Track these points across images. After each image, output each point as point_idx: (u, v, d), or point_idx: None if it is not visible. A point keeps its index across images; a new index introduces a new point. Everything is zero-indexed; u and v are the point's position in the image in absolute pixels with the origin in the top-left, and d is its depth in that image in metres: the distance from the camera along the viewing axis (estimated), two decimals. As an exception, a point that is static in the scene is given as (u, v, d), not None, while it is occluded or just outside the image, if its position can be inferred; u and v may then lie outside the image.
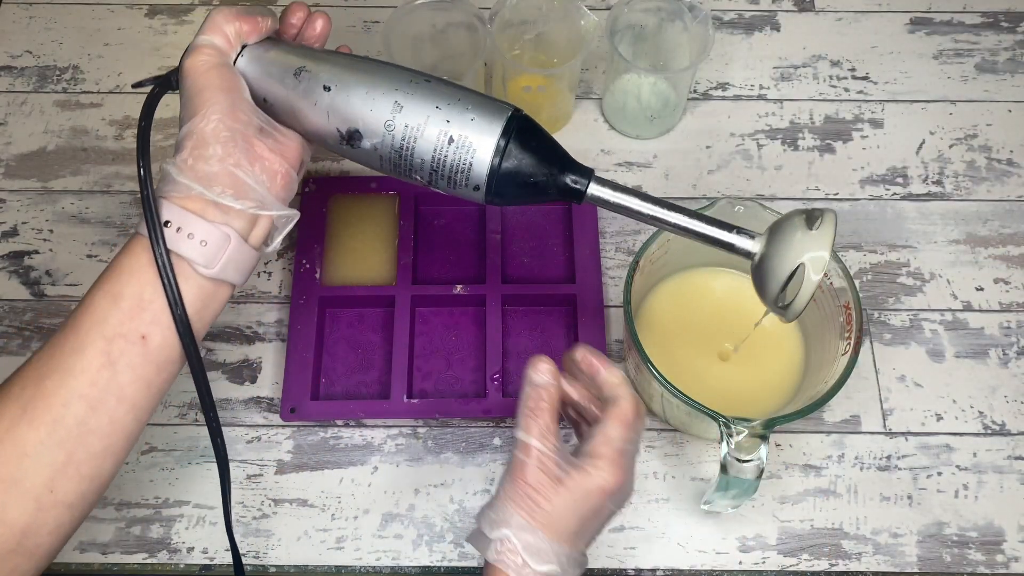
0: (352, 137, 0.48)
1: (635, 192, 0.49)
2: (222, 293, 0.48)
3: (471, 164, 0.47)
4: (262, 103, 0.50)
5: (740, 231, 0.49)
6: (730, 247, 0.49)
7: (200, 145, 0.46)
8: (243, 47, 0.50)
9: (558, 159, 0.49)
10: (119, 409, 0.45)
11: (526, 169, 0.48)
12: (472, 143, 0.47)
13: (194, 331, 0.46)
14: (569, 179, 0.49)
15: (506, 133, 0.47)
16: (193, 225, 0.45)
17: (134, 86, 0.52)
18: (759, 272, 0.50)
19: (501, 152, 0.47)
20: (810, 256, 0.47)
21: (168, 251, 0.45)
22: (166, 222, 0.45)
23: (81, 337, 0.44)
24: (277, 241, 0.50)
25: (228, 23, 0.49)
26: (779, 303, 0.49)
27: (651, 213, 0.49)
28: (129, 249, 0.46)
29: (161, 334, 0.45)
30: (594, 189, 0.49)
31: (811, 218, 0.48)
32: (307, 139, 0.51)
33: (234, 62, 0.50)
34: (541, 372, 0.49)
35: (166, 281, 0.45)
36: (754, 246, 0.49)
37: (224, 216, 0.46)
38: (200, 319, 0.47)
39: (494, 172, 0.47)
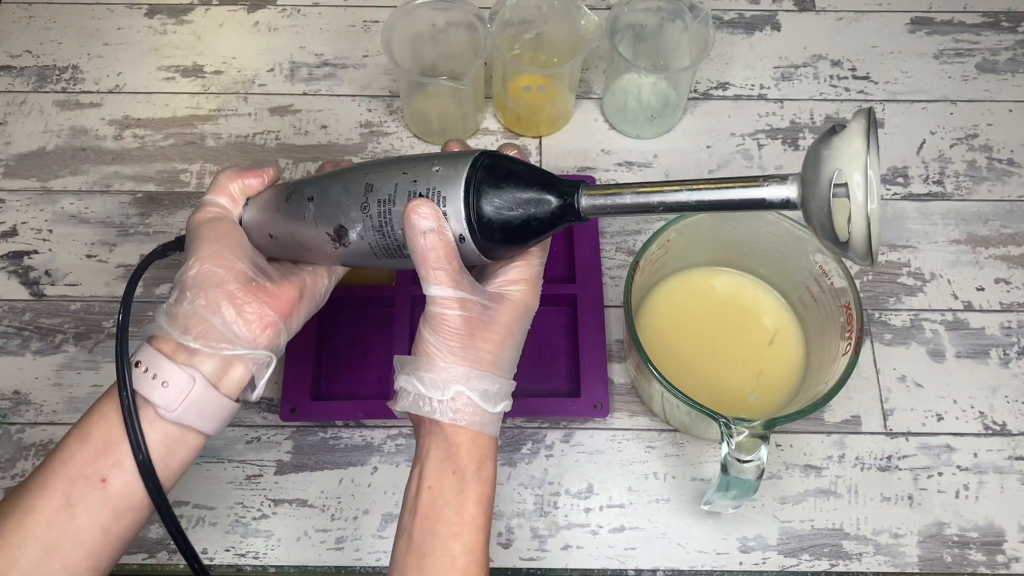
0: (340, 234, 0.48)
1: (633, 186, 0.44)
2: (191, 441, 0.46)
3: (447, 214, 0.44)
4: (269, 239, 0.51)
5: (769, 179, 0.41)
6: (761, 203, 0.41)
7: (180, 290, 0.47)
8: (248, 199, 0.53)
9: (538, 182, 0.45)
10: (74, 555, 0.43)
11: (504, 200, 0.44)
12: (441, 192, 0.44)
13: (160, 477, 0.45)
14: (555, 198, 0.44)
15: (473, 170, 0.44)
16: (160, 367, 0.45)
17: (156, 257, 0.54)
18: (808, 218, 0.40)
19: (472, 191, 0.44)
20: (842, 166, 0.37)
21: (134, 392, 0.45)
22: (137, 362, 0.45)
23: (47, 475, 0.44)
24: (260, 387, 0.48)
25: (232, 182, 0.52)
26: (845, 247, 0.39)
27: (660, 200, 0.43)
28: (109, 390, 0.46)
29: (122, 478, 0.44)
30: (586, 200, 0.44)
31: (839, 127, 0.39)
32: (311, 261, 0.52)
33: (242, 213, 0.53)
34: (426, 216, 0.44)
35: (128, 423, 0.44)
36: (789, 190, 0.40)
37: (191, 359, 0.45)
38: (166, 466, 0.45)
39: (471, 213, 0.44)
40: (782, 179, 0.41)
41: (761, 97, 0.83)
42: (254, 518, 0.65)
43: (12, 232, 0.76)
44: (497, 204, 0.44)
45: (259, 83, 0.84)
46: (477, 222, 0.44)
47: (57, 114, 0.82)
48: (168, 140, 0.80)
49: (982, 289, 0.74)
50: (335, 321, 0.72)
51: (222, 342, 0.46)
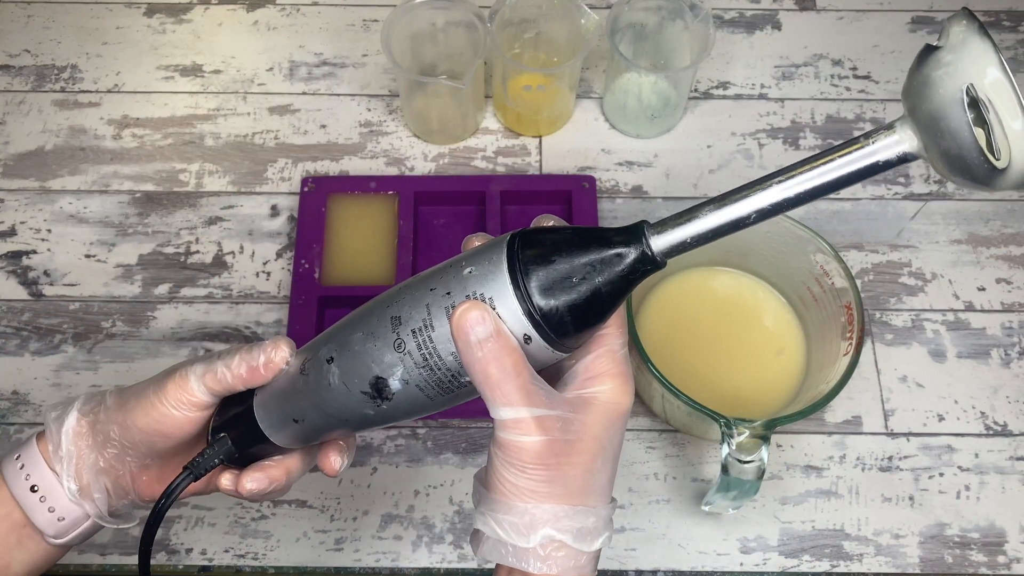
0: (379, 388, 0.39)
1: (704, 205, 0.36)
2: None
3: (501, 317, 0.37)
4: (294, 427, 0.43)
5: (872, 135, 0.33)
6: (875, 168, 0.33)
7: (96, 418, 0.45)
8: (254, 394, 0.45)
9: (593, 240, 0.37)
10: None
11: (561, 275, 0.36)
12: (485, 294, 0.37)
13: None
14: (619, 250, 0.36)
15: (512, 255, 0.36)
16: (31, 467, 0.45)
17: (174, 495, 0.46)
18: (942, 162, 0.32)
19: (520, 278, 0.36)
20: (971, 79, 0.30)
21: None
22: (22, 464, 0.45)
23: None
24: (71, 536, 0.46)
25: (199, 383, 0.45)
26: (996, 173, 0.31)
27: (750, 209, 0.36)
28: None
29: None
30: (658, 239, 0.36)
31: (936, 43, 0.32)
32: (353, 431, 0.44)
33: (252, 407, 0.45)
34: (478, 322, 0.36)
35: None
36: (904, 140, 0.33)
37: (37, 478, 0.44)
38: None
39: (529, 304, 0.36)
40: (888, 129, 0.33)
41: (762, 96, 0.83)
42: (253, 519, 0.65)
43: (11, 232, 0.76)
44: (556, 282, 0.36)
45: (258, 82, 0.84)
46: (540, 313, 0.36)
47: (56, 114, 0.82)
48: (167, 140, 0.80)
49: (983, 289, 0.74)
50: (334, 321, 0.71)
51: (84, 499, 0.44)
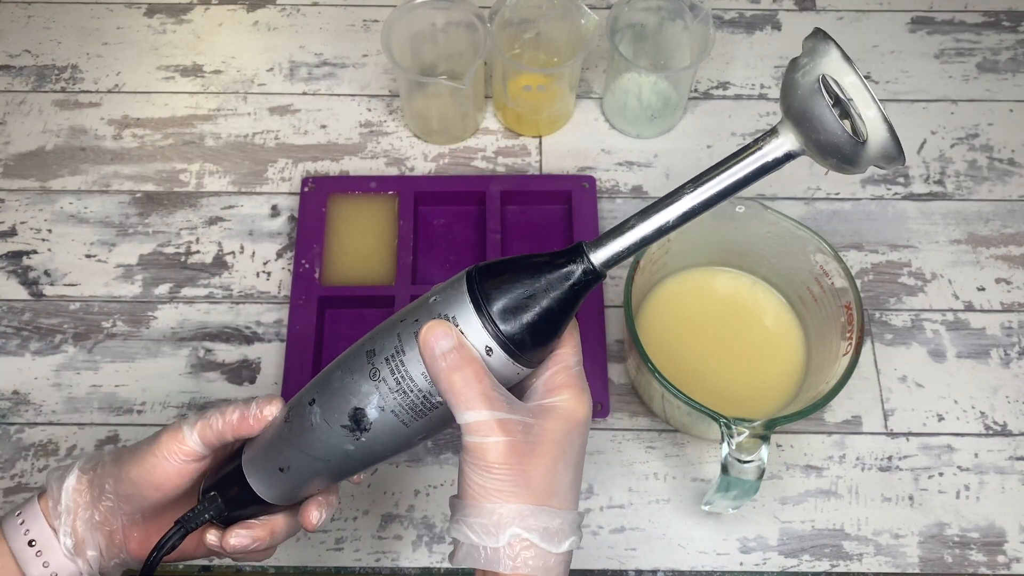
0: (358, 420, 0.42)
1: (634, 217, 0.41)
2: None
3: (464, 333, 0.40)
4: (280, 476, 0.45)
5: (762, 140, 0.39)
6: (766, 168, 0.39)
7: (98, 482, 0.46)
8: (243, 448, 0.48)
9: (540, 263, 0.41)
10: None
11: (515, 291, 0.40)
12: (449, 314, 0.41)
13: None
14: (563, 266, 0.41)
15: (471, 280, 0.41)
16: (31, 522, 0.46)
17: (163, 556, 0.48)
18: (815, 148, 0.38)
19: (479, 297, 0.40)
20: (825, 71, 0.36)
21: None
22: (22, 520, 0.46)
23: None
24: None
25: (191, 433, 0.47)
26: (859, 147, 0.37)
27: (670, 216, 0.40)
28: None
29: None
30: (595, 253, 0.41)
31: (795, 58, 0.38)
32: (332, 480, 0.46)
33: (241, 464, 0.47)
34: (441, 336, 0.40)
35: None
36: (785, 140, 0.39)
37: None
38: None
39: (487, 318, 0.40)
40: (772, 133, 0.39)
41: (762, 97, 0.83)
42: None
43: (11, 232, 0.76)
44: (510, 297, 0.40)
45: (258, 82, 0.84)
46: (497, 324, 0.40)
47: (56, 114, 0.82)
48: (167, 140, 0.80)
49: (983, 289, 0.74)
50: (335, 321, 0.72)
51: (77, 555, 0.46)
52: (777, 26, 0.87)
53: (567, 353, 0.43)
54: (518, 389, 0.44)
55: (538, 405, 0.42)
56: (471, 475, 0.40)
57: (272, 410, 0.46)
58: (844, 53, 0.37)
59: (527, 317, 0.40)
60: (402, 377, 0.41)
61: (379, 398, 0.41)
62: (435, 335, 0.40)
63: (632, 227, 0.41)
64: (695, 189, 0.40)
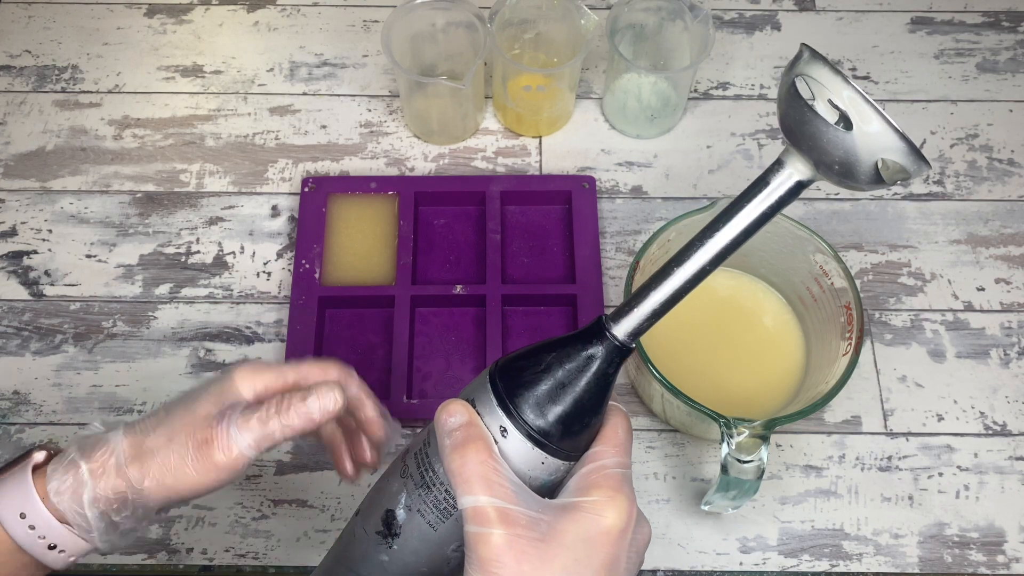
0: (389, 523, 0.40)
1: (650, 282, 0.38)
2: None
3: (480, 414, 0.38)
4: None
5: (769, 174, 0.36)
6: (781, 203, 0.37)
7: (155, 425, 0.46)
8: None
9: (558, 343, 0.39)
10: None
11: (534, 371, 0.38)
12: (470, 398, 0.39)
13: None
14: (585, 343, 0.38)
15: (494, 368, 0.39)
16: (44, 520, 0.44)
17: None
18: (828, 171, 0.36)
19: (499, 381, 0.38)
20: (829, 95, 0.35)
21: None
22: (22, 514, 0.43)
23: None
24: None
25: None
26: (888, 173, 0.36)
27: (688, 273, 0.38)
28: None
29: None
30: (616, 326, 0.39)
31: (791, 79, 0.36)
32: None
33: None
34: (454, 413, 0.37)
35: None
36: (793, 170, 0.36)
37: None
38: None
39: (504, 396, 0.38)
40: (778, 165, 0.36)
41: (761, 97, 0.83)
42: (254, 518, 0.65)
43: (11, 232, 0.76)
44: (529, 377, 0.38)
45: (259, 83, 0.84)
46: (509, 398, 0.37)
47: (56, 114, 0.82)
48: (168, 140, 0.80)
49: (982, 289, 0.74)
50: (335, 321, 0.72)
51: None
52: (777, 26, 0.88)
53: (606, 452, 0.38)
54: (550, 489, 0.39)
55: (560, 503, 0.36)
56: (469, 571, 0.35)
57: (336, 397, 0.43)
58: (844, 77, 0.35)
59: (548, 395, 0.37)
60: (426, 469, 0.39)
61: (406, 496, 0.39)
62: (448, 412, 0.37)
63: (647, 295, 0.38)
64: (706, 244, 0.37)
